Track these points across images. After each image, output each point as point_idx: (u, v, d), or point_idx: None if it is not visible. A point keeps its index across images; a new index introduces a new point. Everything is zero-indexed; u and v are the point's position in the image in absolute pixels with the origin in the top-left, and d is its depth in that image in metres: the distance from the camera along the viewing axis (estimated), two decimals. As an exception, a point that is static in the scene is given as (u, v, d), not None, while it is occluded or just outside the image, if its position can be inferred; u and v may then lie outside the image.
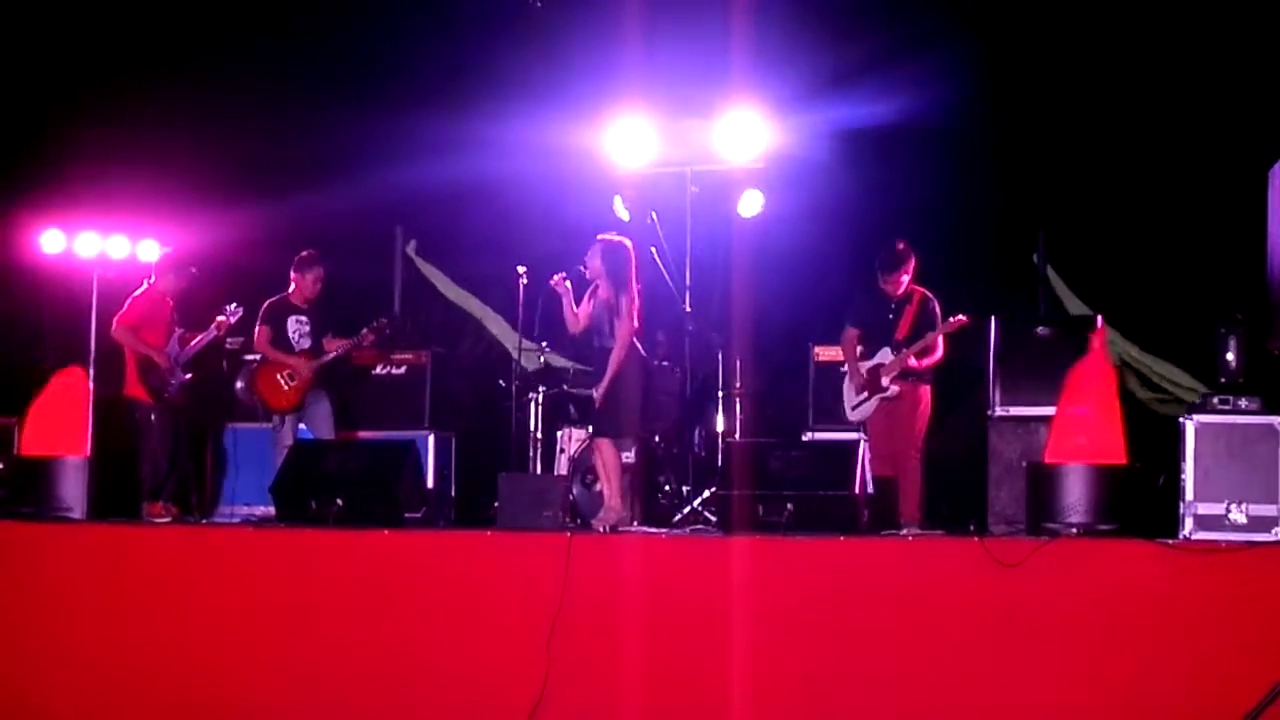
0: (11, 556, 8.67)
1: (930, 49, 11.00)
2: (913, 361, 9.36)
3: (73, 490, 8.98)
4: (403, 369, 11.49)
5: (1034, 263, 11.55)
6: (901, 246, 9.49)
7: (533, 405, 10.68)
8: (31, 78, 12.67)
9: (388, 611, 8.04)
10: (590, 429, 9.48)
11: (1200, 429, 7.30)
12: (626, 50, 11.37)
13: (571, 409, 10.64)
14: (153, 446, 10.20)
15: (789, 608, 7.50)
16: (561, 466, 10.41)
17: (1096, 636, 7.07)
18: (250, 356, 10.91)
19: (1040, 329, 9.81)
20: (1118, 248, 11.16)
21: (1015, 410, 9.61)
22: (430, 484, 10.67)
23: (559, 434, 10.60)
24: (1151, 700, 6.97)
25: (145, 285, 10.51)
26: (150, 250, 11.47)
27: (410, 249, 13.16)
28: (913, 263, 9.47)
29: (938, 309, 9.46)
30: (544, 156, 11.58)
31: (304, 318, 10.38)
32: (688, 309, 10.74)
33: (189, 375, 10.41)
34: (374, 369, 11.48)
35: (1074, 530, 7.41)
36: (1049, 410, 8.07)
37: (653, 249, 10.55)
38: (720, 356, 10.75)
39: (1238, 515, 7.20)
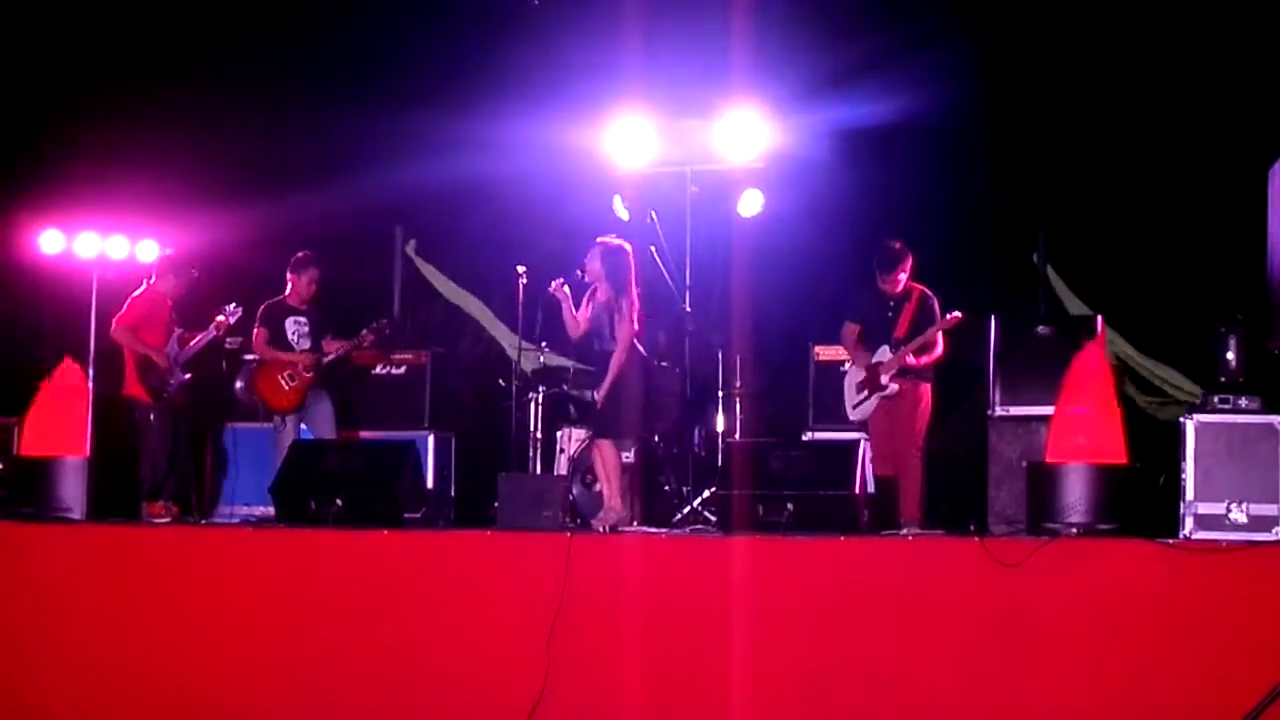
0: (11, 557, 8.66)
1: (930, 49, 10.99)
2: (911, 359, 9.36)
3: (72, 490, 8.98)
4: (402, 369, 11.48)
5: (1034, 262, 11.55)
6: (898, 245, 9.48)
7: (532, 405, 10.67)
8: (31, 78, 12.67)
9: (388, 611, 8.04)
10: (590, 429, 9.48)
11: (1200, 428, 7.30)
12: (626, 50, 11.37)
13: (571, 409, 10.64)
14: (152, 446, 10.20)
15: (789, 608, 7.50)
16: (561, 466, 10.41)
17: (1096, 636, 7.07)
18: (250, 356, 10.91)
19: (1040, 328, 9.81)
20: (1118, 248, 11.16)
21: (1015, 410, 9.60)
22: (430, 484, 10.67)
23: (559, 434, 10.59)
24: (1151, 700, 6.96)
25: (145, 285, 10.51)
26: (149, 251, 11.49)
27: (410, 249, 13.16)
28: (910, 261, 9.47)
29: (937, 307, 9.46)
30: (544, 156, 11.58)
31: (302, 318, 10.38)
32: (688, 309, 10.74)
33: (188, 375, 10.40)
34: (374, 369, 11.47)
35: (1074, 530, 7.41)
36: (1049, 410, 8.06)
37: (652, 248, 10.55)
38: (720, 356, 10.74)
39: (1238, 515, 7.19)
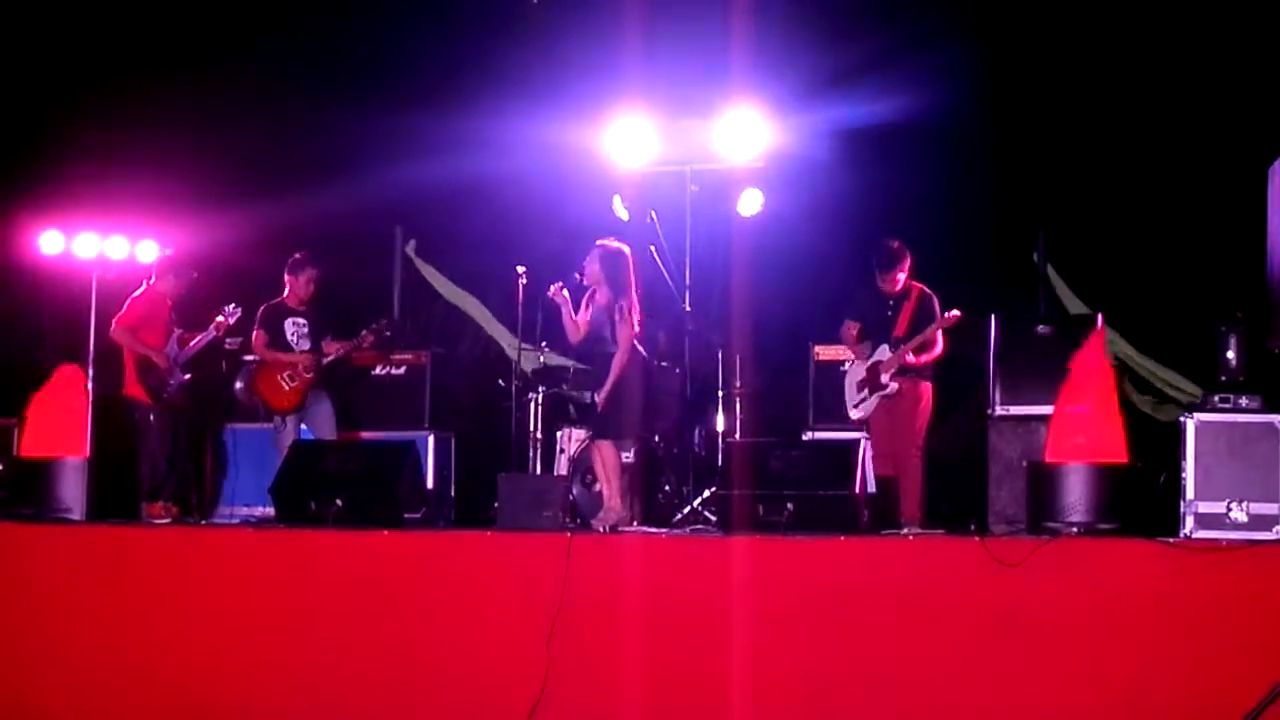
0: (11, 558, 8.67)
1: (930, 49, 10.99)
2: (911, 358, 9.35)
3: (72, 491, 8.99)
4: (402, 369, 11.48)
5: (1034, 262, 11.53)
6: (896, 244, 9.49)
7: (532, 405, 10.66)
8: (31, 78, 12.67)
9: (388, 612, 8.03)
10: (590, 429, 9.48)
11: (1201, 427, 7.30)
12: (626, 50, 11.37)
13: (571, 409, 10.64)
14: (152, 447, 10.19)
15: (789, 608, 7.50)
16: (561, 466, 10.40)
17: (1097, 636, 7.06)
18: (249, 357, 10.91)
19: (1040, 328, 9.81)
20: (1118, 247, 11.15)
21: (1015, 409, 9.61)
22: (430, 484, 10.66)
23: (559, 434, 10.59)
24: (1151, 700, 6.96)
25: (144, 286, 10.51)
26: (149, 251, 11.50)
27: (410, 249, 13.16)
28: (908, 260, 9.47)
29: (936, 305, 9.46)
30: (544, 156, 11.57)
31: (301, 319, 10.38)
32: (687, 308, 10.73)
33: (188, 376, 10.40)
34: (374, 369, 11.47)
35: (1074, 529, 7.41)
36: (1049, 409, 8.06)
37: (652, 248, 10.54)
38: (720, 356, 10.73)
39: (1238, 514, 7.19)
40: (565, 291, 8.98)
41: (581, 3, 11.84)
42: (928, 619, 7.29)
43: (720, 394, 10.64)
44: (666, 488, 10.20)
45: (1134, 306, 10.93)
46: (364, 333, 10.43)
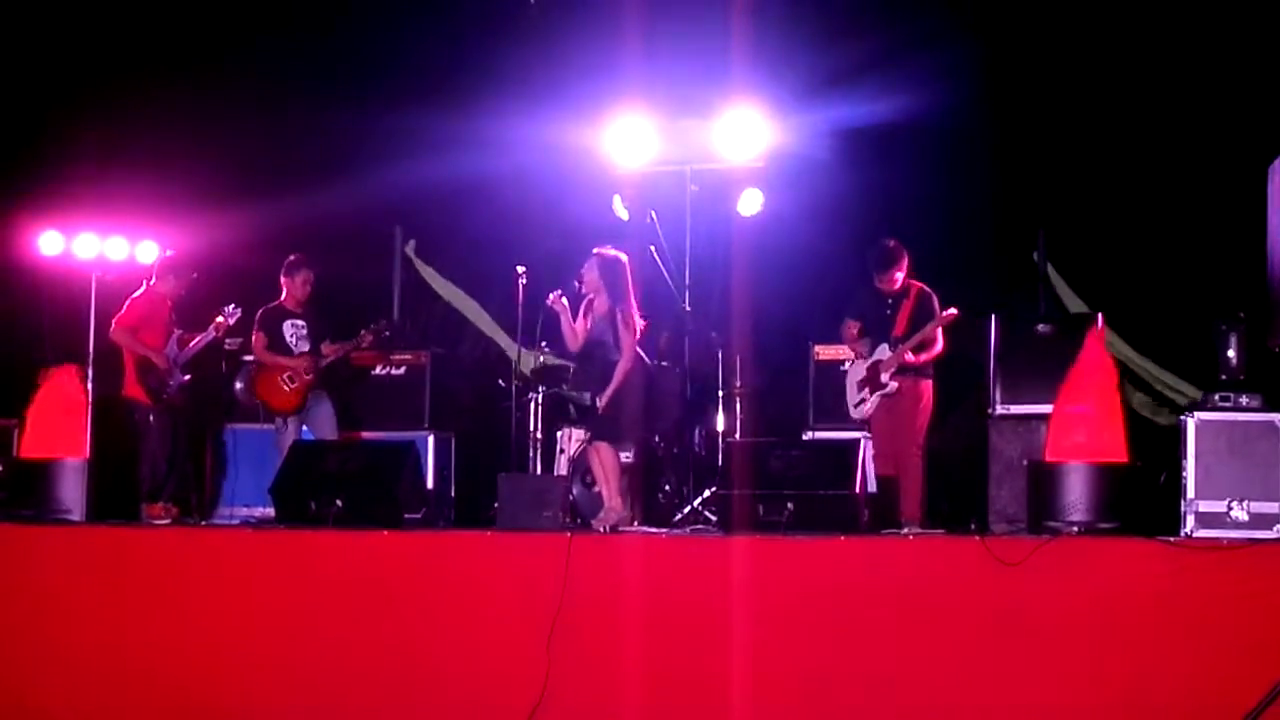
0: (11, 558, 8.66)
1: (930, 49, 10.99)
2: (910, 356, 9.35)
3: (72, 492, 8.99)
4: (402, 369, 11.48)
5: (1034, 261, 11.53)
6: (893, 244, 9.48)
7: (532, 405, 10.66)
8: (31, 78, 12.66)
9: (388, 612, 8.03)
10: (589, 430, 9.47)
11: (1201, 426, 7.30)
12: (626, 50, 11.36)
13: (571, 409, 10.63)
14: (152, 448, 10.18)
15: (789, 608, 7.49)
16: (561, 466, 10.40)
17: (1097, 635, 7.06)
18: (249, 357, 10.90)
19: (1041, 327, 9.82)
20: (1118, 246, 11.15)
21: (1016, 409, 9.61)
22: (430, 484, 10.66)
23: (559, 434, 10.59)
24: (1152, 699, 6.96)
25: (144, 287, 10.50)
26: (149, 252, 11.48)
27: (409, 249, 13.15)
28: (905, 259, 9.46)
29: (936, 303, 9.45)
30: (543, 156, 11.57)
31: (299, 321, 10.38)
32: (687, 308, 10.72)
33: (188, 376, 10.39)
34: (374, 370, 11.47)
35: (1075, 529, 7.41)
36: (1049, 408, 8.06)
37: (652, 248, 10.54)
38: (720, 355, 10.73)
39: (1239, 513, 7.19)
40: (564, 300, 8.98)
41: (581, 3, 11.84)
42: (928, 619, 7.29)
43: (720, 394, 10.63)
44: (666, 488, 10.20)
45: (1134, 306, 10.93)
46: (363, 333, 10.44)
